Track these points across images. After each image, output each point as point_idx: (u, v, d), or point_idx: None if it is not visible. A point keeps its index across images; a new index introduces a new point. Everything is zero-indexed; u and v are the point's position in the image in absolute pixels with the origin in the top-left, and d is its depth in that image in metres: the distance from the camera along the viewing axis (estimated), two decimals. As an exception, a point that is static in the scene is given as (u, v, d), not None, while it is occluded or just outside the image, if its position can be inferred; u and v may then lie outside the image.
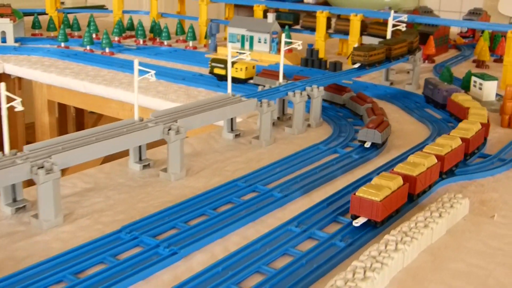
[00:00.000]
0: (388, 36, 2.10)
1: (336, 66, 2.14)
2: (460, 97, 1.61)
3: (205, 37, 2.55)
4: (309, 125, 1.58)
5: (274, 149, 1.40)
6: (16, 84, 2.40)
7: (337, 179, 1.24)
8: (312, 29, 2.46)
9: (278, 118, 1.64)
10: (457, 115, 1.59)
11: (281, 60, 1.60)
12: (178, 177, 1.23)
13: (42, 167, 1.02)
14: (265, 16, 2.47)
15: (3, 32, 2.48)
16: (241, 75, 1.85)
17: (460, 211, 1.07)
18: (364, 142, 1.39)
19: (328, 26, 2.44)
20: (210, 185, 1.18)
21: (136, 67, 1.26)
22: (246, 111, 1.42)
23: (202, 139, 1.46)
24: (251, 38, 2.41)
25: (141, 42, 2.63)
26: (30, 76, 2.17)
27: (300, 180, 1.20)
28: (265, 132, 1.43)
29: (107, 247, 0.93)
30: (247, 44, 2.43)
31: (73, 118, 2.84)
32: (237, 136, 1.48)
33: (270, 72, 1.86)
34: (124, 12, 2.90)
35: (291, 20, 2.68)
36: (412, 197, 1.11)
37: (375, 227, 1.01)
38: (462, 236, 1.01)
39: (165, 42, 2.62)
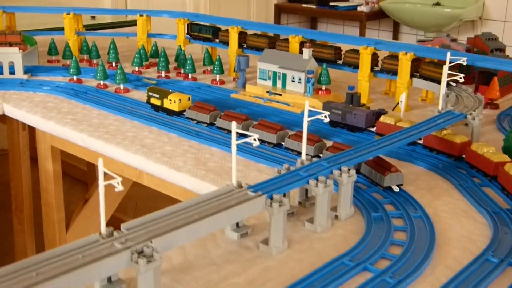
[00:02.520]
0: (443, 82, 1.76)
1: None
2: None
3: (234, 70, 2.25)
4: (336, 217, 1.27)
5: (286, 261, 1.10)
6: (19, 125, 2.17)
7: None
8: (355, 66, 2.12)
9: (300, 203, 1.33)
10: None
11: (304, 134, 1.28)
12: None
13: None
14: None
15: (11, 63, 2.24)
16: (175, 107, 1.78)
17: None
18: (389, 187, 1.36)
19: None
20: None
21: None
22: (251, 213, 1.11)
23: (199, 239, 1.17)
24: (284, 76, 2.10)
25: (163, 74, 2.35)
26: (29, 121, 1.92)
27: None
28: (276, 237, 1.13)
29: None
30: (279, 83, 2.12)
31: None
32: (243, 235, 1.18)
33: (202, 106, 1.74)
34: (149, 35, 2.63)
35: (210, 34, 2.50)
36: None
37: None
38: None
39: (189, 75, 2.33)
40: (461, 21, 5.31)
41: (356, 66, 2.10)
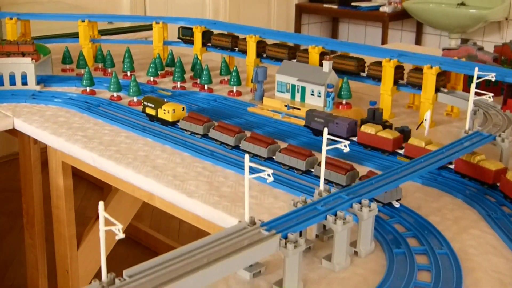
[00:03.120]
0: (471, 100, 1.67)
1: (404, 134, 1.73)
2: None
3: (252, 81, 2.17)
4: (356, 253, 1.19)
5: (301, 307, 1.03)
6: (31, 138, 2.11)
7: None
8: (379, 79, 2.03)
9: (317, 236, 1.26)
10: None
11: (323, 162, 1.21)
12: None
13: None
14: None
15: (24, 73, 2.19)
16: (168, 117, 1.76)
17: None
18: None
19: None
20: None
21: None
22: (264, 255, 1.04)
23: (209, 278, 1.10)
24: (303, 89, 2.02)
25: (178, 85, 2.28)
26: (39, 137, 1.86)
27: None
28: (290, 279, 1.05)
29: None
30: (298, 96, 2.04)
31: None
32: (256, 275, 1.11)
33: (196, 116, 1.72)
34: (165, 43, 2.57)
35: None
36: None
37: None
38: None
39: (206, 87, 2.26)
40: (486, 22, 5.18)
41: (380, 79, 2.01)
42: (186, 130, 1.76)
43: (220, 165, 1.58)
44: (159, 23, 2.53)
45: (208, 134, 1.72)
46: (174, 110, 1.80)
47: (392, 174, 1.30)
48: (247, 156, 1.05)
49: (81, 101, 2.05)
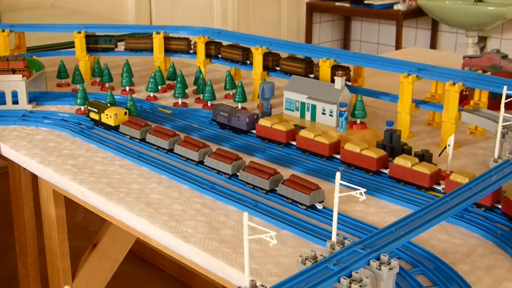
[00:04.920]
0: (500, 122, 1.50)
1: (424, 159, 1.56)
2: None
3: (258, 97, 2.01)
4: (374, 316, 1.04)
5: None
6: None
7: None
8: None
9: (330, 293, 1.10)
10: None
11: (335, 210, 1.05)
12: None
13: None
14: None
15: (15, 91, 2.05)
16: (111, 122, 1.74)
17: None
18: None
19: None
20: None
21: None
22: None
23: None
24: (313, 107, 1.86)
25: (180, 101, 2.13)
26: (26, 165, 1.71)
27: None
28: None
29: None
30: (308, 115, 1.88)
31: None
32: None
33: (135, 121, 1.72)
34: (167, 55, 2.42)
35: (112, 44, 2.39)
36: None
37: None
38: None
39: (209, 103, 2.11)
40: (505, 19, 4.99)
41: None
42: (125, 135, 1.78)
43: (221, 200, 1.43)
44: (159, 33, 2.38)
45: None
46: (116, 114, 1.80)
47: (415, 218, 1.14)
48: (246, 214, 0.90)
49: (73, 123, 1.90)
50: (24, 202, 2.03)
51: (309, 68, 2.05)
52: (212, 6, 5.06)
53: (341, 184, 1.01)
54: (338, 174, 1.03)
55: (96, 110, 1.86)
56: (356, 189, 1.02)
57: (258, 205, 1.39)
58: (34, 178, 1.92)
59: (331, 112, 1.82)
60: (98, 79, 2.36)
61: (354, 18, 6.15)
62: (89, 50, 2.41)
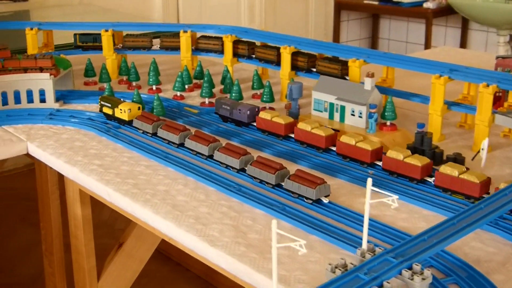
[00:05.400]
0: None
1: (457, 163, 1.52)
2: None
3: (286, 98, 1.98)
4: (406, 328, 1.00)
5: None
6: (47, 162, 1.96)
7: None
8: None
9: (359, 303, 1.07)
10: None
11: (366, 220, 1.02)
12: None
13: None
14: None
15: (42, 90, 2.05)
16: (125, 116, 1.75)
17: None
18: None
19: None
20: None
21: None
22: None
23: None
24: (342, 108, 1.83)
25: (207, 101, 2.11)
26: (52, 165, 1.71)
27: None
28: None
29: None
30: (336, 116, 1.84)
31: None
32: None
33: (148, 116, 1.73)
34: (194, 53, 2.40)
35: (92, 42, 2.37)
36: None
37: None
38: None
39: (235, 103, 2.08)
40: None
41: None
42: (138, 129, 1.80)
43: (248, 204, 1.41)
44: (187, 31, 2.36)
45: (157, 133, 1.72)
46: (130, 109, 1.81)
47: (448, 226, 1.11)
48: (274, 222, 0.87)
49: (100, 122, 1.89)
50: (50, 201, 2.03)
51: (345, 70, 2.00)
52: (239, 3, 5.04)
53: (372, 190, 0.99)
54: (369, 180, 0.99)
55: (109, 105, 1.87)
56: (388, 196, 0.99)
57: (285, 208, 1.37)
58: (61, 176, 1.91)
59: (361, 113, 1.78)
60: (125, 78, 2.36)
61: (383, 16, 6.08)
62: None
